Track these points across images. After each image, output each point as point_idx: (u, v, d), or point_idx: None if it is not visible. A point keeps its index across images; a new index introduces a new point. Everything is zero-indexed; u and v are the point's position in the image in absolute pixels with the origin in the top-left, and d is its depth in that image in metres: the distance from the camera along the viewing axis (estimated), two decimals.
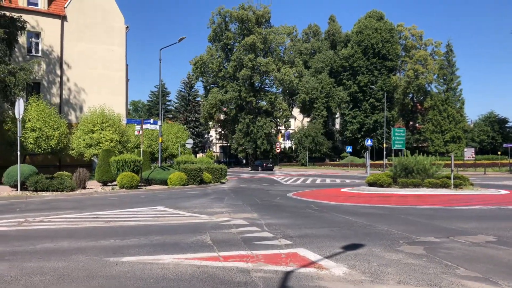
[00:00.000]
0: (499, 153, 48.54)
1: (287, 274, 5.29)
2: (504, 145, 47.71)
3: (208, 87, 64.20)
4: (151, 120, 24.57)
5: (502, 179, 27.88)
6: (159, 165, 26.80)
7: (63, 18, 31.93)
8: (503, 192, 17.17)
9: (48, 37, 31.38)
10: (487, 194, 16.38)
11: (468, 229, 8.52)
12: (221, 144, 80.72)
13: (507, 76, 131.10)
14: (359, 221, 9.67)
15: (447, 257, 6.07)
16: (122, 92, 34.12)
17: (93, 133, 26.92)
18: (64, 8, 32.08)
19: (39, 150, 25.58)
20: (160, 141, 27.46)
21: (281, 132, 70.85)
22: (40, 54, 31.16)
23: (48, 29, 31.33)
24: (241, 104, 59.20)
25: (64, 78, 32.14)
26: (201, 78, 63.93)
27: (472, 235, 7.87)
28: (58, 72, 31.91)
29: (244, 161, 70.57)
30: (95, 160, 27.42)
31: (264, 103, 60.56)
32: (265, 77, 61.06)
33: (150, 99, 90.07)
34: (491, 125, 62.46)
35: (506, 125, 63.97)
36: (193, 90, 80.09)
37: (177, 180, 21.49)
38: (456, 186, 17.28)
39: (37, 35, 31.22)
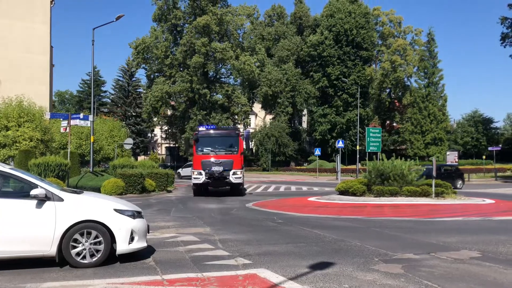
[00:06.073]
0: (484, 157, 50.89)
1: None
2: (489, 148, 50.10)
3: (152, 76, 63.09)
4: (81, 115, 23.96)
5: (487, 187, 29.28)
6: (91, 169, 26.16)
7: None
8: (488, 201, 18.06)
9: None
10: (471, 203, 17.17)
11: (451, 243, 8.87)
12: (167, 145, 79.55)
13: (493, 71, 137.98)
14: (329, 236, 9.83)
15: (428, 277, 6.27)
16: (45, 80, 33.03)
17: (7, 130, 26.00)
18: None
19: None
20: (92, 140, 26.67)
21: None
22: None
23: None
24: (192, 97, 58.57)
25: None
26: (143, 65, 62.74)
27: (455, 250, 8.20)
28: None
29: None
30: (11, 164, 26.39)
31: (220, 96, 60.26)
32: (221, 66, 60.84)
33: (81, 89, 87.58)
34: (475, 125, 65.31)
35: (492, 125, 67.12)
36: (134, 79, 78.65)
37: (112, 188, 21.01)
38: (438, 194, 17.97)
39: None
